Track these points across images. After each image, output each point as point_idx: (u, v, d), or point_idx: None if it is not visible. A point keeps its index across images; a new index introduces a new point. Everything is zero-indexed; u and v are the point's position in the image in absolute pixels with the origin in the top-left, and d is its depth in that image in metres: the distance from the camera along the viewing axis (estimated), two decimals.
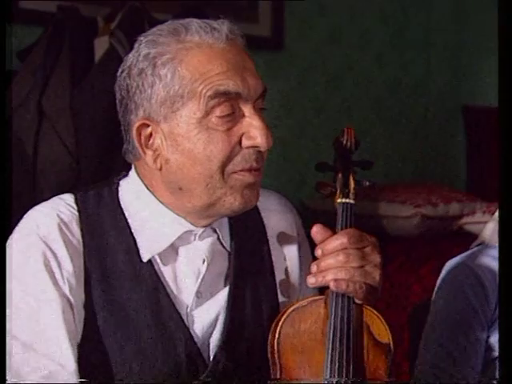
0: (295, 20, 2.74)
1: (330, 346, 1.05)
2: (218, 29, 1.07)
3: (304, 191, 2.62)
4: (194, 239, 1.13)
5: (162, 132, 1.07)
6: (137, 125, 1.07)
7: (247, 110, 1.06)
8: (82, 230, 1.09)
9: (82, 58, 2.09)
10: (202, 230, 1.12)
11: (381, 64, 3.00)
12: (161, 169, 1.08)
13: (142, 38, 1.08)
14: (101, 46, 2.09)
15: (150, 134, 1.08)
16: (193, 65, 1.05)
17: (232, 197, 1.07)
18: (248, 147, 1.06)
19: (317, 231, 1.06)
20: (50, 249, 1.06)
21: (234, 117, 1.06)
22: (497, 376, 1.28)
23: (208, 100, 1.04)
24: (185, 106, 1.05)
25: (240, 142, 1.06)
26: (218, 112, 1.04)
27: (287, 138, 2.75)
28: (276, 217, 1.22)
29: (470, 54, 3.13)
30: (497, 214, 1.43)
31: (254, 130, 1.06)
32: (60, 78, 2.05)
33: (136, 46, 1.08)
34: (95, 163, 2.00)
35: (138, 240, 1.11)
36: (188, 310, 1.12)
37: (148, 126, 1.07)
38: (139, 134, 1.08)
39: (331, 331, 1.06)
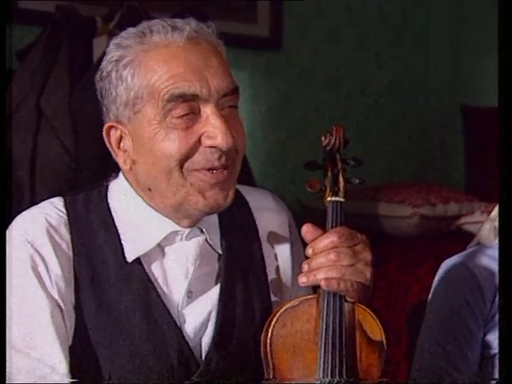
0: (294, 20, 2.74)
1: (323, 345, 1.05)
2: (180, 28, 1.07)
3: (302, 190, 2.62)
4: (181, 239, 1.13)
5: (128, 134, 1.08)
6: (105, 127, 1.10)
7: (207, 109, 1.06)
8: (70, 233, 1.10)
9: (80, 57, 2.09)
10: (188, 230, 1.13)
11: (380, 64, 3.00)
12: (130, 169, 1.10)
13: (112, 42, 1.10)
14: (99, 45, 2.09)
15: (121, 136, 1.09)
16: (150, 66, 1.06)
17: (194, 197, 1.07)
18: (208, 146, 1.06)
19: (307, 230, 1.06)
20: (38, 252, 1.07)
21: (194, 116, 1.06)
22: (495, 375, 1.28)
23: (165, 103, 1.05)
24: (145, 107, 1.06)
25: (200, 141, 1.06)
26: (175, 113, 1.05)
27: (285, 137, 2.76)
28: (268, 216, 1.22)
29: (469, 53, 3.13)
30: (493, 214, 1.43)
31: (213, 130, 1.06)
32: (58, 77, 2.05)
33: (107, 49, 1.10)
34: (94, 163, 2.01)
35: (123, 241, 1.11)
36: (179, 309, 1.12)
37: (117, 128, 1.09)
38: (108, 136, 1.10)
39: (323, 330, 1.06)
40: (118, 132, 1.09)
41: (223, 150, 1.06)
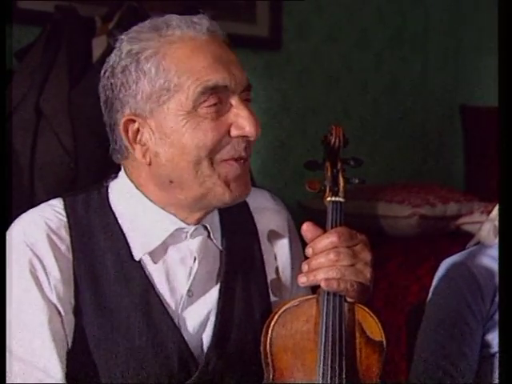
0: (293, 20, 2.74)
1: (323, 346, 1.05)
2: (199, 22, 1.07)
3: (301, 190, 2.62)
4: (186, 237, 1.13)
5: (149, 126, 1.07)
6: (123, 120, 1.08)
7: (234, 100, 1.07)
8: (70, 235, 1.09)
9: (79, 57, 2.09)
10: (193, 227, 1.12)
11: (379, 64, 3.00)
12: (150, 163, 1.09)
13: (123, 37, 1.09)
14: (99, 45, 2.09)
15: (138, 130, 1.08)
16: (177, 58, 1.05)
17: (221, 188, 1.07)
18: (237, 136, 1.07)
19: (307, 229, 1.06)
20: (37, 256, 1.06)
21: (222, 107, 1.07)
22: (495, 374, 1.28)
23: (197, 95, 1.05)
24: (171, 98, 1.05)
25: (228, 132, 1.07)
26: (206, 103, 1.05)
27: (285, 137, 2.76)
28: (267, 215, 1.22)
29: (468, 53, 3.13)
30: (492, 213, 1.43)
31: (241, 120, 1.06)
32: (58, 77, 2.05)
33: (118, 44, 1.09)
34: (93, 163, 2.00)
35: (129, 239, 1.10)
36: (179, 309, 1.12)
37: (134, 121, 1.08)
38: (126, 130, 1.08)
39: (323, 330, 1.06)
40: (136, 125, 1.08)
41: (251, 139, 1.07)
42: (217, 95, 1.05)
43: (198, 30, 1.07)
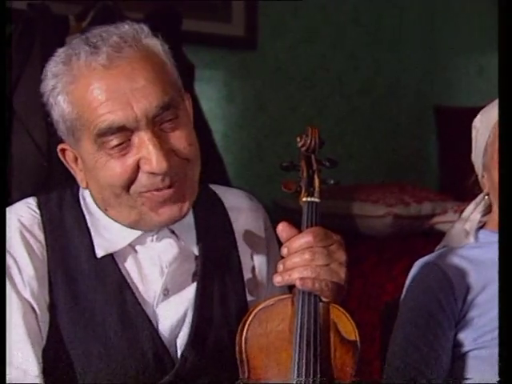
0: (269, 20, 2.74)
1: (297, 345, 1.05)
2: (100, 47, 1.04)
3: (277, 190, 2.62)
4: (152, 240, 1.13)
5: (79, 156, 1.09)
6: (58, 149, 1.11)
7: (140, 135, 1.05)
8: (44, 232, 1.10)
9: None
10: (157, 232, 1.13)
11: (354, 64, 3.02)
12: (87, 187, 1.11)
13: (46, 68, 1.08)
14: None
15: (75, 156, 1.10)
16: (76, 97, 1.05)
17: (148, 215, 1.08)
18: (146, 172, 1.06)
19: (282, 229, 1.06)
20: (10, 254, 1.06)
21: (129, 142, 1.05)
22: (467, 373, 1.29)
23: (96, 138, 1.04)
24: (82, 137, 1.06)
25: (139, 166, 1.06)
26: (109, 145, 1.04)
27: (260, 137, 2.76)
28: (243, 215, 1.23)
29: (442, 54, 3.16)
30: (464, 214, 1.44)
31: (147, 156, 1.04)
32: (31, 76, 2.03)
33: (43, 75, 1.08)
34: None
35: (93, 238, 1.11)
36: (154, 307, 1.12)
37: (69, 150, 1.10)
38: (64, 156, 1.11)
39: (298, 330, 1.06)
40: (71, 153, 1.10)
41: (160, 174, 1.05)
42: (118, 134, 1.04)
43: (96, 61, 1.03)
